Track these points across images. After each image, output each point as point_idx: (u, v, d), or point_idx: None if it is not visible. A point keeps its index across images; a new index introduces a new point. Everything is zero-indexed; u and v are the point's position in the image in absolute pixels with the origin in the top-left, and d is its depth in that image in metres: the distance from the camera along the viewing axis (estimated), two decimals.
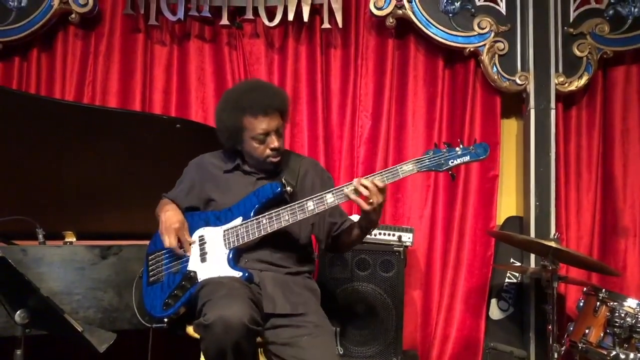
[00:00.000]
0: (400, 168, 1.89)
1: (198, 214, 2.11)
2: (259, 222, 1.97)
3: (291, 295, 1.98)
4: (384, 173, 1.89)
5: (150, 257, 2.12)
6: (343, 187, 1.91)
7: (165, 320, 2.00)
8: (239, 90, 2.11)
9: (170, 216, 2.04)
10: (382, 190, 1.87)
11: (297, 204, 1.94)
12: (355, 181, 1.88)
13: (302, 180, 2.13)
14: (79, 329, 1.59)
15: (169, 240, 2.01)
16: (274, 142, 2.03)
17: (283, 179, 2.05)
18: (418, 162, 1.90)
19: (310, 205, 1.93)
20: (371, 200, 1.86)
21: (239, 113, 2.00)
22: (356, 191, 1.87)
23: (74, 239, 2.59)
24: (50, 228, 2.40)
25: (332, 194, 1.92)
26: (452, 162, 1.89)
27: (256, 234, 1.97)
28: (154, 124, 2.84)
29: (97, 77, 3.42)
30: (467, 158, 1.89)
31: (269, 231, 1.96)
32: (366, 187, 1.85)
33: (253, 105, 1.99)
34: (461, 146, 1.90)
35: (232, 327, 1.70)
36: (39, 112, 2.52)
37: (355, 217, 2.17)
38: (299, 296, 2.00)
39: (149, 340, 2.13)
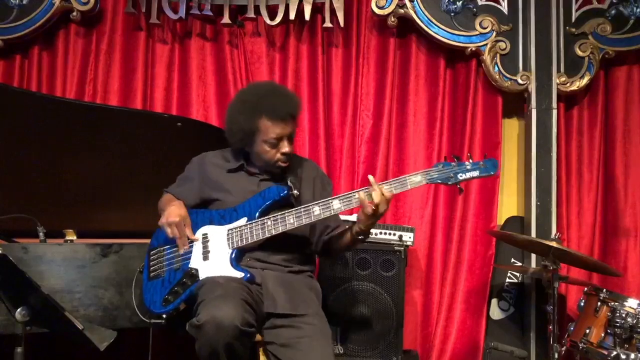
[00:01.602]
0: (409, 179, 1.91)
1: (203, 212, 2.11)
2: (264, 223, 1.97)
3: (293, 294, 1.98)
4: (392, 182, 1.91)
5: (151, 252, 2.12)
6: (351, 194, 1.93)
7: (164, 316, 2.00)
8: (257, 92, 2.10)
9: (172, 210, 2.05)
10: (388, 200, 1.89)
11: (304, 208, 1.95)
12: (361, 191, 1.90)
13: (304, 183, 2.14)
14: (80, 326, 1.59)
15: (171, 231, 2.01)
16: (285, 147, 2.05)
17: (289, 182, 2.05)
18: (426, 174, 1.92)
19: (316, 210, 1.94)
20: (376, 209, 1.88)
21: (256, 115, 2.01)
22: (364, 199, 1.88)
23: (75, 237, 2.58)
24: (51, 226, 2.39)
25: (339, 200, 1.93)
26: (460, 177, 1.91)
27: (260, 236, 1.98)
28: (155, 122, 2.83)
29: (98, 75, 3.42)
30: (476, 173, 1.91)
31: (273, 233, 1.97)
32: (373, 198, 1.87)
33: (272, 110, 2.00)
34: (470, 161, 1.92)
35: (223, 328, 1.70)
36: (40, 110, 2.52)
37: (354, 217, 2.17)
38: (300, 295, 2.00)
39: (150, 338, 2.12)
